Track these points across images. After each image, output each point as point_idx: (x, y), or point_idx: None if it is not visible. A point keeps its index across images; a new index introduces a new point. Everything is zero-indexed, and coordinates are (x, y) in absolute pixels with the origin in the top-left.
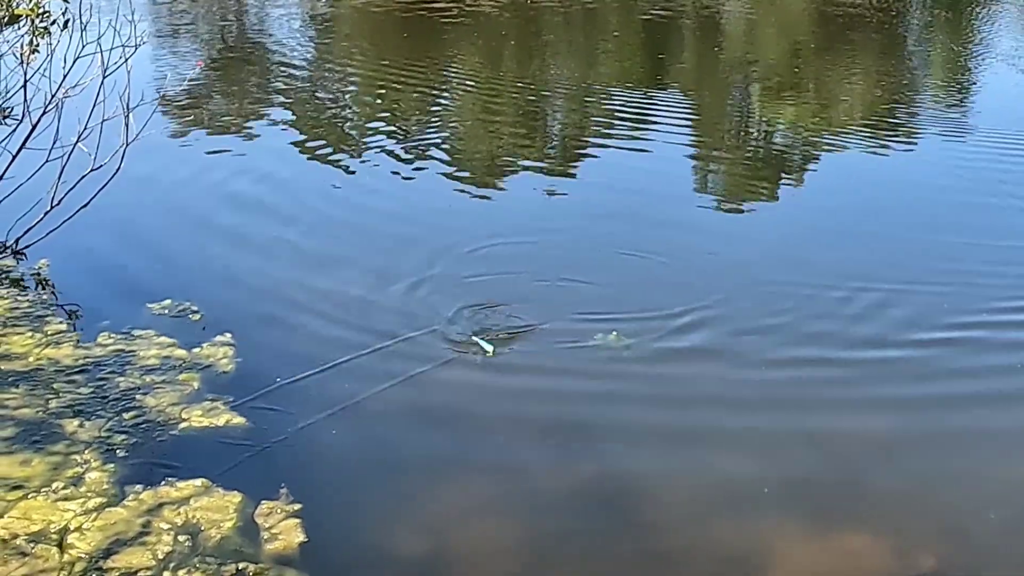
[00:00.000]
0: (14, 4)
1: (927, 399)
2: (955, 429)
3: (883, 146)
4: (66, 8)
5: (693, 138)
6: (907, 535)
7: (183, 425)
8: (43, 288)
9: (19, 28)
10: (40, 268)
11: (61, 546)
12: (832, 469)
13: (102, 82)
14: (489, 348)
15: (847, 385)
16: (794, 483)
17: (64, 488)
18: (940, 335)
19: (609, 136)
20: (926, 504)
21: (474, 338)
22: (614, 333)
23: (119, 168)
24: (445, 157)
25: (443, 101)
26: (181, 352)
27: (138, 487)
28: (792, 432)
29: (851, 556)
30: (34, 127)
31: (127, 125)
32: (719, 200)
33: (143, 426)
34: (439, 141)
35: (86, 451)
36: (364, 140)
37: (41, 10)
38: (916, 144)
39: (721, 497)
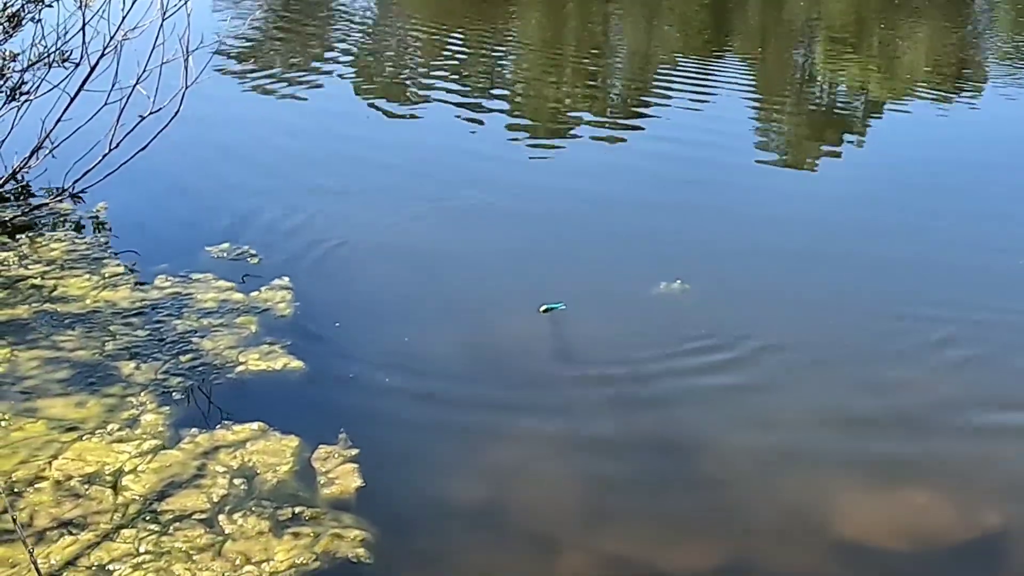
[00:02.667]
0: None
1: (993, 355)
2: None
3: (947, 103)
4: None
5: (756, 97)
6: (972, 492)
7: (240, 368)
8: (100, 231)
9: None
10: (98, 211)
11: (115, 488)
12: (897, 423)
13: (161, 24)
14: (554, 307)
15: (913, 337)
16: (858, 437)
17: (119, 430)
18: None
19: (670, 95)
20: (992, 462)
21: (543, 307)
22: (678, 281)
23: (178, 111)
24: (505, 112)
25: (504, 61)
26: (239, 295)
27: (194, 430)
28: (857, 384)
29: (915, 511)
30: (92, 70)
31: (186, 68)
32: (780, 157)
33: (199, 369)
34: (499, 97)
35: (142, 393)
36: (424, 93)
37: None
38: (980, 102)
39: (784, 450)
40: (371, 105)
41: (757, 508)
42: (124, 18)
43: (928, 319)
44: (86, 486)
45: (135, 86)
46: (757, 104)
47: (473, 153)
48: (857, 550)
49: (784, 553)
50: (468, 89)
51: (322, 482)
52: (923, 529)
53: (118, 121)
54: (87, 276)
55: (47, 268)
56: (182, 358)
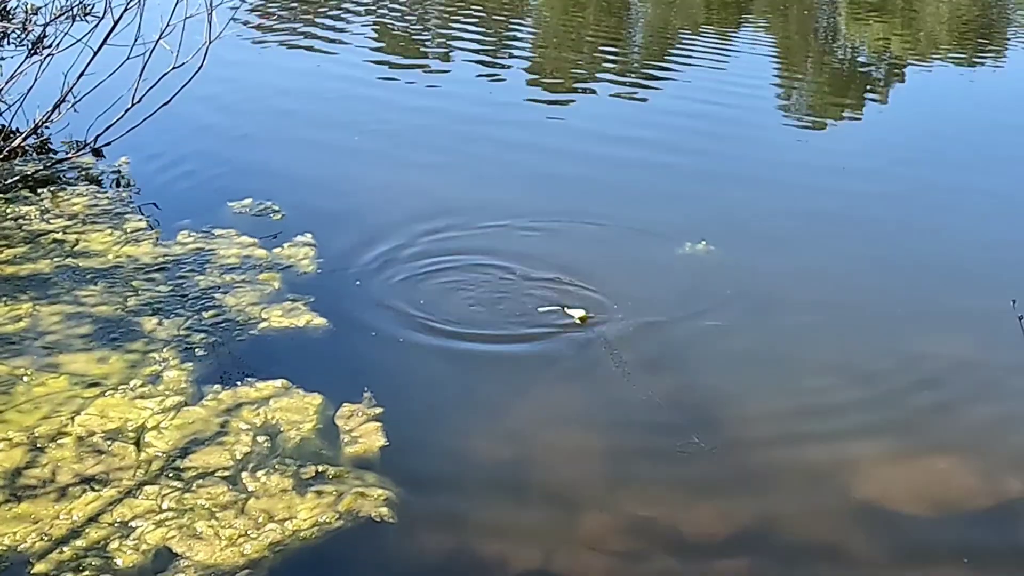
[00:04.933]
0: None
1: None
2: None
3: (971, 64)
4: None
5: (779, 57)
6: (994, 458)
7: (263, 325)
8: (122, 186)
9: None
10: (120, 166)
11: (138, 444)
12: (920, 388)
13: None
14: (576, 314)
15: (937, 300)
16: (880, 401)
17: (142, 386)
18: None
19: (692, 56)
20: (1015, 428)
21: (566, 311)
22: (702, 242)
23: (201, 67)
24: (525, 70)
25: (524, 23)
26: (262, 252)
27: (216, 387)
28: (880, 347)
29: (938, 477)
30: (115, 24)
31: (209, 23)
32: (803, 117)
33: (222, 325)
34: (519, 57)
35: (164, 349)
36: (445, 53)
37: None
38: (1004, 62)
39: (806, 413)
40: (393, 64)
41: (779, 471)
42: None
43: (954, 281)
44: (108, 442)
45: (158, 41)
46: (780, 64)
47: (493, 112)
48: (878, 514)
49: (805, 517)
50: (488, 49)
51: (345, 440)
52: (944, 494)
53: (141, 75)
54: (109, 231)
55: (69, 223)
56: (205, 314)
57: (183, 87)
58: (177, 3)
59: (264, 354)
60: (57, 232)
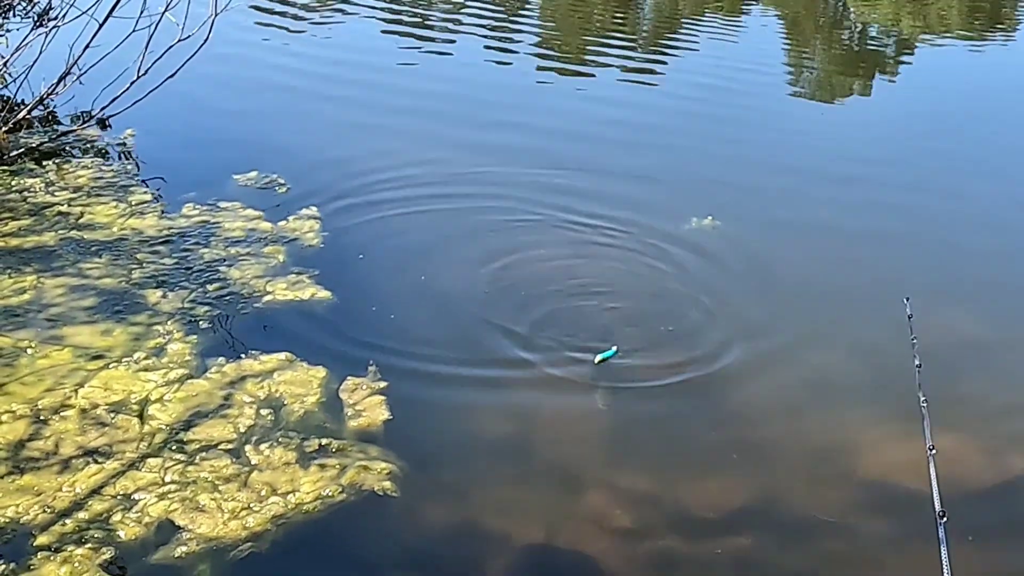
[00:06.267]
0: None
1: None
2: None
3: (981, 42)
4: None
5: (788, 33)
6: (998, 436)
7: (267, 298)
8: (128, 158)
9: None
10: (125, 138)
11: (142, 417)
12: (926, 364)
13: None
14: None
15: (943, 275)
16: (885, 376)
17: (145, 359)
18: None
19: (700, 31)
20: (1020, 406)
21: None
22: (709, 218)
23: (207, 39)
24: (535, 45)
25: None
26: (266, 224)
27: (220, 359)
28: (885, 322)
29: (940, 454)
30: None
31: None
32: (812, 94)
33: (227, 298)
34: (528, 33)
35: (168, 322)
36: (453, 28)
37: None
38: (1014, 42)
39: (810, 388)
40: (401, 39)
41: (783, 446)
42: None
43: (960, 256)
44: (112, 415)
45: (164, 13)
46: (789, 40)
47: (501, 88)
48: (882, 490)
49: (808, 492)
50: (497, 25)
51: (349, 414)
52: (948, 472)
53: (147, 48)
54: (114, 203)
55: (73, 195)
56: (209, 287)
57: (189, 59)
58: None
59: (268, 327)
60: (62, 204)
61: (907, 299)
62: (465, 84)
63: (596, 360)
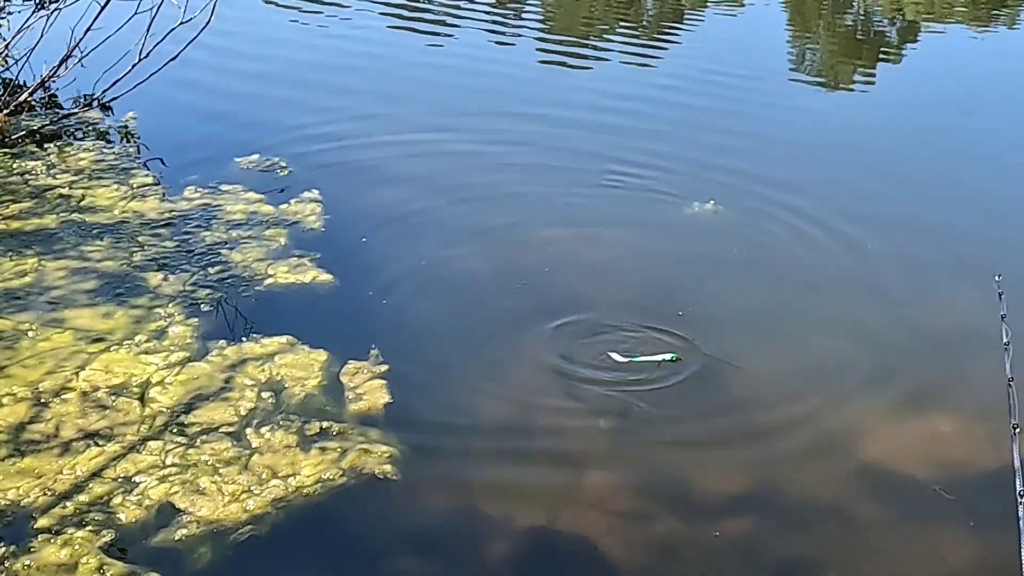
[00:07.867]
0: None
1: None
2: None
3: (985, 25)
4: None
5: (790, 17)
6: (1002, 421)
7: (269, 281)
8: (129, 141)
9: None
10: (127, 121)
11: (142, 400)
12: (925, 349)
13: None
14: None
15: (942, 262)
16: (885, 362)
17: (147, 342)
18: None
19: (703, 14)
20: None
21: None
22: (711, 202)
23: (209, 22)
24: (537, 30)
25: None
26: (268, 207)
27: (221, 342)
28: (886, 307)
29: (941, 439)
30: None
31: None
32: (814, 78)
33: (228, 281)
34: (529, 18)
35: (169, 305)
36: (454, 13)
37: None
38: (1019, 26)
39: (811, 373)
40: (401, 23)
41: (784, 432)
42: None
43: (962, 244)
44: (113, 397)
45: None
46: (792, 24)
47: (502, 74)
48: (882, 475)
49: (810, 478)
50: (499, 9)
51: (350, 397)
52: (947, 457)
53: (148, 30)
54: (115, 186)
55: (75, 178)
56: (210, 270)
57: (190, 42)
58: None
59: (269, 310)
60: (63, 187)
61: (998, 276)
62: (470, 71)
63: (659, 361)
